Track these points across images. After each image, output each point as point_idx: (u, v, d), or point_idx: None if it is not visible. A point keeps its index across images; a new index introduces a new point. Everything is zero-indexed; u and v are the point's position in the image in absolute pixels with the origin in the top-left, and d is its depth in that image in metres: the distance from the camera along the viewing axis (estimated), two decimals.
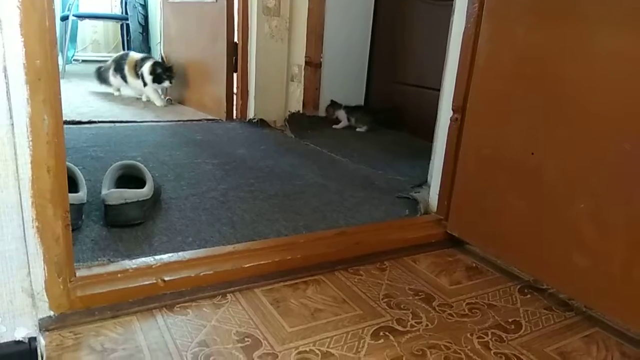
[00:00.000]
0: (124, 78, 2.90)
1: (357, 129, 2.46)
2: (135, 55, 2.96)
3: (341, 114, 2.49)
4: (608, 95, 0.89)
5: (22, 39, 0.68)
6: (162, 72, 2.72)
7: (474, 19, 1.14)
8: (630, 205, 0.87)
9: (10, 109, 0.69)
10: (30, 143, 0.72)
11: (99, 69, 3.10)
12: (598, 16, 0.90)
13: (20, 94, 0.70)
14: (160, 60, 2.85)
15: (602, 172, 0.91)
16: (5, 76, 0.68)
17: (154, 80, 2.73)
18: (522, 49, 1.04)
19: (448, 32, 1.32)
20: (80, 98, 2.95)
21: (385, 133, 2.45)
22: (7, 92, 0.69)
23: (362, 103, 2.67)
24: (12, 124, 0.70)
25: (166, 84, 2.73)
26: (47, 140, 0.73)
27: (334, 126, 2.48)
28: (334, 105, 2.53)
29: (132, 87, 2.91)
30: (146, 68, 2.75)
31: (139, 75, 2.81)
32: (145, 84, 2.79)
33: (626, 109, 0.87)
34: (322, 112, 2.58)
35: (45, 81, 0.72)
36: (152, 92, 2.80)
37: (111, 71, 2.97)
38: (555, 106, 0.98)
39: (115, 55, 3.16)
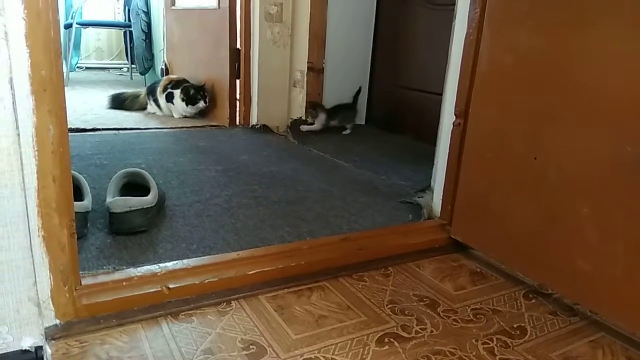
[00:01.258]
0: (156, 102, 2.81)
1: (343, 132, 2.46)
2: (169, 78, 2.87)
3: (321, 117, 2.44)
4: (610, 98, 0.89)
5: (28, 50, 0.69)
6: (195, 92, 2.65)
7: (476, 23, 1.14)
8: (634, 209, 0.87)
9: (16, 120, 0.70)
10: (36, 153, 0.73)
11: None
12: (600, 19, 0.90)
13: (26, 105, 0.70)
14: (189, 82, 2.72)
15: (605, 175, 0.91)
16: (12, 87, 0.69)
17: (189, 103, 2.66)
18: (524, 53, 1.04)
19: (450, 36, 1.32)
20: (84, 105, 2.97)
21: (387, 137, 2.45)
22: (13, 102, 0.69)
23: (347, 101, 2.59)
24: (18, 134, 0.71)
25: (201, 104, 2.66)
26: (53, 150, 0.74)
27: (302, 126, 2.44)
28: (315, 107, 2.46)
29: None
30: (177, 94, 2.68)
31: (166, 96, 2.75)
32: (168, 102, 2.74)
33: (628, 112, 0.87)
34: None
35: (50, 91, 0.72)
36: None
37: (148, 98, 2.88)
38: (558, 110, 0.98)
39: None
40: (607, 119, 0.90)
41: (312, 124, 2.46)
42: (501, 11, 1.09)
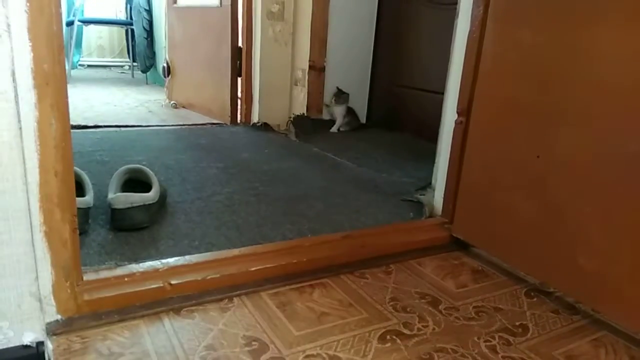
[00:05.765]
0: None
1: (341, 129, 2.48)
2: None
3: (338, 111, 2.48)
4: (614, 96, 0.89)
5: (30, 43, 0.69)
6: None
7: (479, 21, 1.14)
8: (638, 208, 0.86)
9: (18, 113, 0.69)
10: (38, 147, 0.72)
11: None
12: (603, 17, 0.90)
13: (29, 98, 0.70)
14: None
15: (608, 174, 0.91)
16: (14, 80, 0.68)
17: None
18: (527, 51, 1.04)
19: (451, 35, 1.32)
20: (85, 103, 2.97)
21: (388, 135, 2.45)
22: (15, 96, 0.69)
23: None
24: (20, 128, 0.70)
25: None
26: (55, 144, 0.74)
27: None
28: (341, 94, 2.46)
29: None
30: None
31: None
32: None
33: (632, 111, 0.86)
34: (325, 116, 2.58)
35: (52, 85, 0.72)
36: None
37: None
38: (561, 108, 0.98)
39: None
40: (612, 117, 0.90)
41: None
42: (505, 8, 1.08)
